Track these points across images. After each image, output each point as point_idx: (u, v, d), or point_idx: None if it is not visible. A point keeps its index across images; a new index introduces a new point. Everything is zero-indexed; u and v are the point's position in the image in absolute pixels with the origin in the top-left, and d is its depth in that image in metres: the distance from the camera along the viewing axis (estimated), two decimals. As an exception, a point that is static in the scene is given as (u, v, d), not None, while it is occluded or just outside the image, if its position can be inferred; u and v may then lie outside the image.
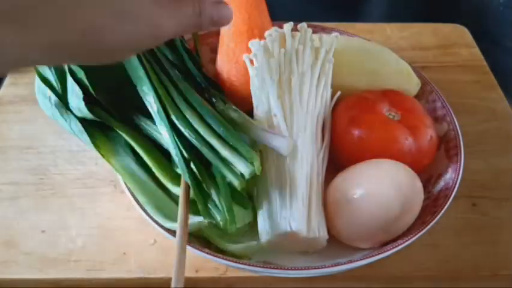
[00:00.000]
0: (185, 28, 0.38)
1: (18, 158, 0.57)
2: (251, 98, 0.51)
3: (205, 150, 0.44)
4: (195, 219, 0.43)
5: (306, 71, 0.50)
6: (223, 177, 0.44)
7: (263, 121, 0.49)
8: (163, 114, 0.46)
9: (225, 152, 0.44)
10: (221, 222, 0.43)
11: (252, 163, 0.43)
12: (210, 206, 0.44)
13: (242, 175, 0.43)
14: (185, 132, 0.45)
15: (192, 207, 0.44)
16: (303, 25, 0.53)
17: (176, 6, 0.37)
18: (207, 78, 0.55)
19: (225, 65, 0.55)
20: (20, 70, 0.64)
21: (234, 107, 0.49)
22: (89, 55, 0.34)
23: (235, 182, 0.42)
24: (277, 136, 0.44)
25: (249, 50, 0.52)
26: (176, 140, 0.45)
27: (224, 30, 0.56)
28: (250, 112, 0.50)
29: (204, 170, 0.44)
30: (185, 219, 0.42)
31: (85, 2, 0.31)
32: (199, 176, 0.44)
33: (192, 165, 0.44)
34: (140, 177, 0.47)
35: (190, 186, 0.44)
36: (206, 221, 0.43)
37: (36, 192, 0.53)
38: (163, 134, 0.46)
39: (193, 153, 0.44)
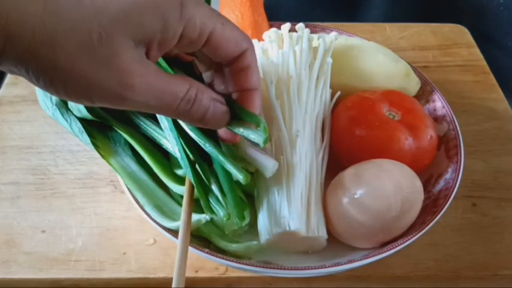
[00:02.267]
0: (162, 108, 0.35)
1: (18, 158, 0.57)
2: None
3: (208, 148, 0.44)
4: (195, 217, 0.43)
5: (304, 71, 0.50)
6: (227, 173, 0.44)
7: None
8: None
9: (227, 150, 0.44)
10: (224, 218, 0.43)
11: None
12: (213, 203, 0.44)
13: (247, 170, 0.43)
14: (189, 130, 0.45)
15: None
16: (300, 25, 0.53)
17: (167, 80, 0.34)
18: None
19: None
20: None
21: None
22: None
23: (240, 177, 0.42)
24: (265, 156, 0.45)
25: None
26: (181, 140, 0.45)
27: None
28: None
29: (206, 167, 0.44)
30: (189, 219, 0.42)
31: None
32: (201, 174, 0.44)
33: (195, 163, 0.44)
34: (140, 178, 0.47)
35: (193, 182, 0.44)
36: (208, 217, 0.43)
37: (36, 192, 0.53)
38: (165, 132, 0.46)
39: (195, 152, 0.45)
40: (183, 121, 0.44)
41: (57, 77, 0.31)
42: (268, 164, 0.44)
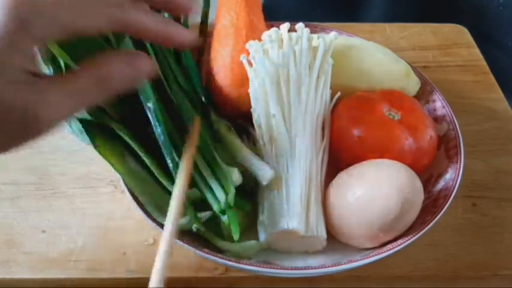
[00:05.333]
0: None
1: (18, 158, 0.56)
2: (236, 101, 0.52)
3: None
4: (182, 220, 0.44)
5: (304, 71, 0.50)
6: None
7: (262, 123, 0.49)
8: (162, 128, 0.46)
9: (206, 175, 0.44)
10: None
11: (227, 193, 0.43)
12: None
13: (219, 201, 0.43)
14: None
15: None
16: (300, 25, 0.53)
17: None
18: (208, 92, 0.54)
19: (213, 67, 0.55)
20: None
21: (228, 123, 0.50)
22: None
23: (215, 206, 0.43)
24: (262, 164, 0.45)
25: (236, 52, 0.52)
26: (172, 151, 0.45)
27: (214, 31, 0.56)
28: (240, 115, 0.51)
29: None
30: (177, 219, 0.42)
31: None
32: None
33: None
34: (141, 177, 0.47)
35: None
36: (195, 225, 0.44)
37: (36, 192, 0.53)
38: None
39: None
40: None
41: None
42: (265, 173, 0.45)
